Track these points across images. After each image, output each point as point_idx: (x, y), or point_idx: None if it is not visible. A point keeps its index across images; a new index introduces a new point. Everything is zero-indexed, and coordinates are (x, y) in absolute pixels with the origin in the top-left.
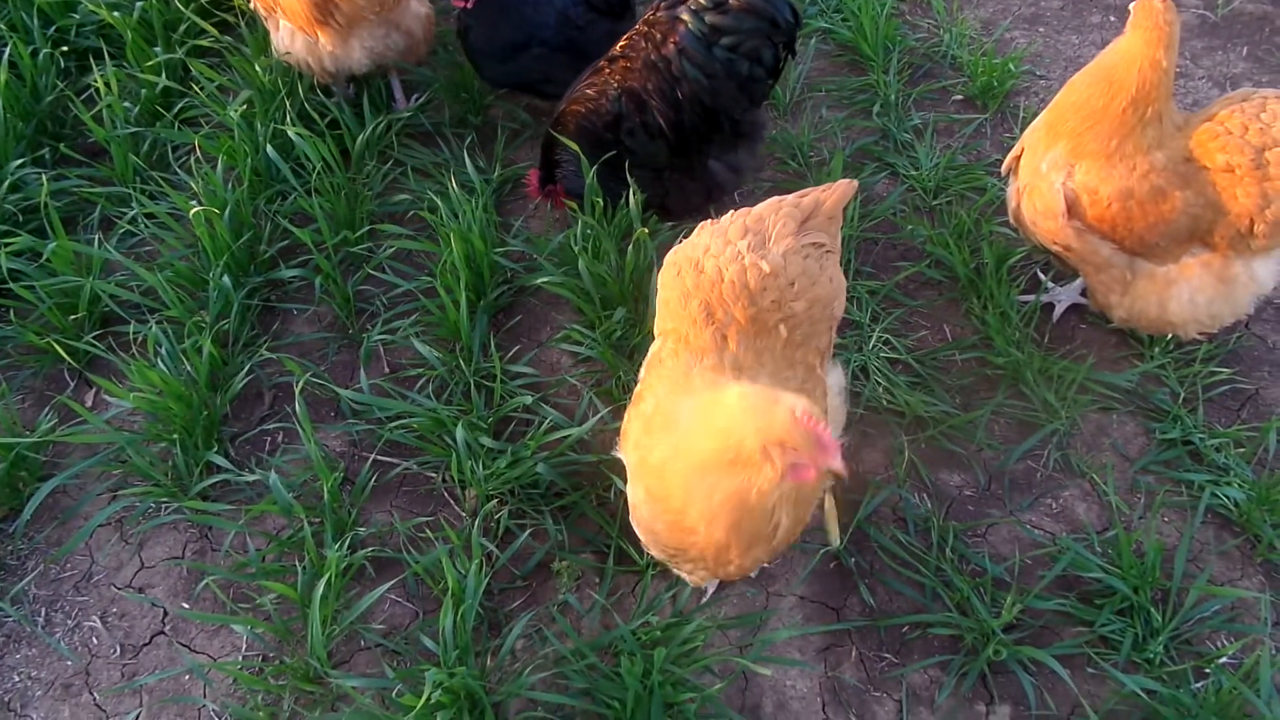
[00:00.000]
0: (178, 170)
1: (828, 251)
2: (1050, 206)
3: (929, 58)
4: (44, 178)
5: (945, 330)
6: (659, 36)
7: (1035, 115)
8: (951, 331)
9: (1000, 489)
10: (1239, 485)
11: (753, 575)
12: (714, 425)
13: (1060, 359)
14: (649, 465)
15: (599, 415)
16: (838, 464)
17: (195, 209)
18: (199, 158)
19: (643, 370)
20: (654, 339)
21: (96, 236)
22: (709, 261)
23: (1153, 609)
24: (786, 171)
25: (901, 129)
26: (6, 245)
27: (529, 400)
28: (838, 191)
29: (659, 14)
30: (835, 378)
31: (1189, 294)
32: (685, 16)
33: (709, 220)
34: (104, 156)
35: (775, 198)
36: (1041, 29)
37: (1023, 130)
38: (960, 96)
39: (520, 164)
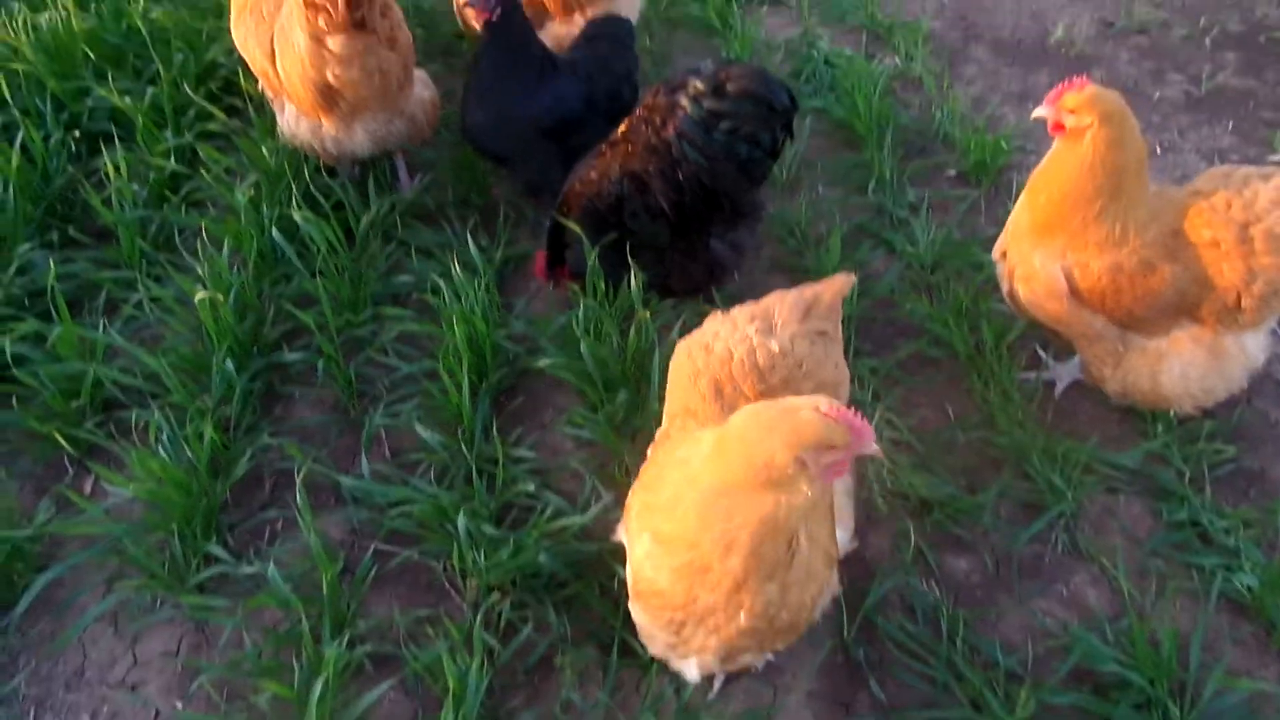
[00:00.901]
0: (184, 252)
1: (831, 340)
2: (1052, 289)
3: (922, 135)
4: (51, 261)
5: (947, 409)
6: (659, 121)
7: None
8: (954, 410)
9: (1009, 574)
10: (1251, 569)
11: (758, 667)
12: (734, 451)
13: (1064, 438)
14: (657, 507)
15: (602, 502)
16: (873, 445)
17: (201, 295)
18: (205, 240)
19: (649, 450)
20: (662, 423)
21: (101, 321)
22: (718, 343)
23: (1170, 702)
24: (785, 249)
25: (897, 205)
26: (12, 330)
27: (531, 489)
28: (836, 284)
29: (658, 99)
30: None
31: (1180, 368)
32: (684, 102)
33: (717, 311)
34: (111, 239)
35: (778, 291)
36: (1031, 105)
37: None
38: (954, 173)
39: (522, 244)
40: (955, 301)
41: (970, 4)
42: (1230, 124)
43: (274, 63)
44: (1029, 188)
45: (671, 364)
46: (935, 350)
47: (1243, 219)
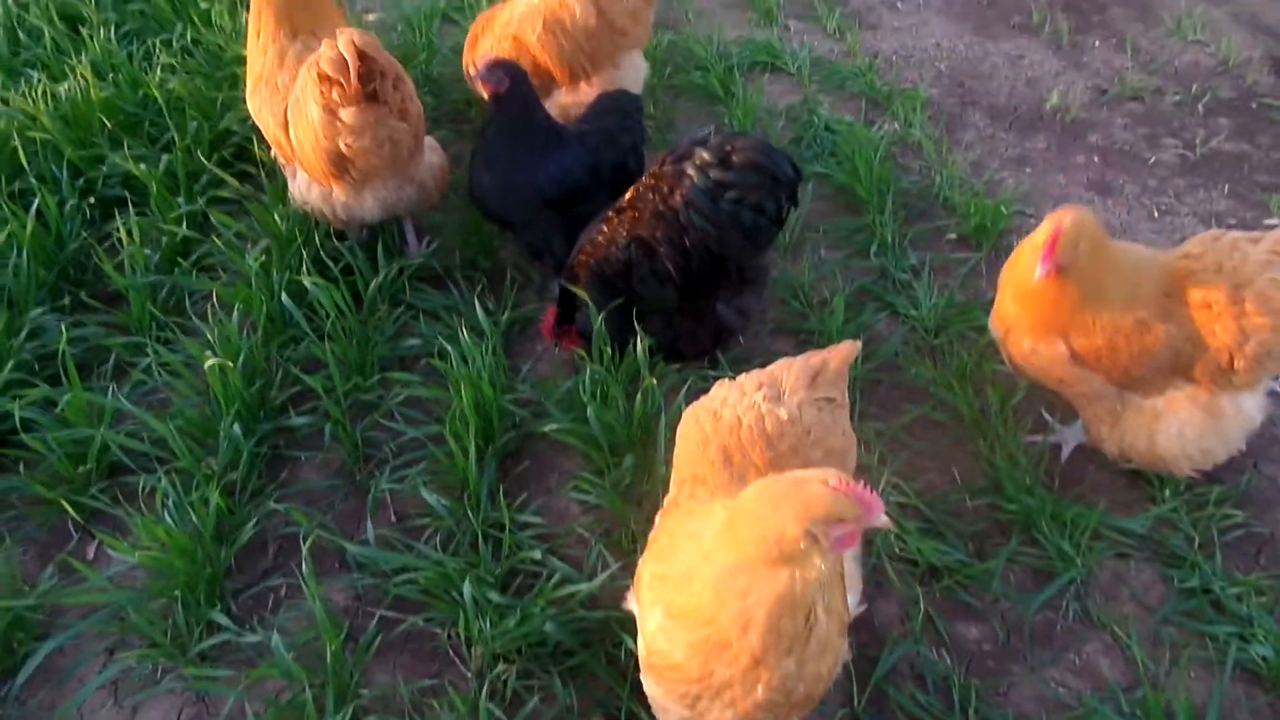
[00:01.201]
0: (193, 316)
1: (838, 406)
2: (1054, 357)
3: (922, 199)
4: (63, 326)
5: (954, 473)
6: (666, 189)
7: None
8: (960, 474)
9: (1020, 642)
10: (1264, 638)
11: None
12: (745, 526)
13: (1072, 503)
14: (669, 579)
15: (609, 570)
16: (883, 518)
17: (210, 361)
18: (215, 304)
19: (658, 518)
20: (670, 489)
21: (110, 385)
22: (727, 410)
23: None
24: (789, 311)
25: (899, 268)
26: (22, 396)
27: (537, 555)
28: (842, 352)
29: (665, 168)
30: None
31: (1177, 428)
32: (690, 171)
33: (725, 378)
34: (122, 303)
35: (785, 358)
36: (1029, 170)
37: None
38: (954, 236)
39: (528, 306)
40: (959, 364)
41: (966, 71)
42: (1226, 187)
43: (287, 132)
44: (1009, 285)
45: (679, 431)
46: (940, 413)
47: (1233, 281)
